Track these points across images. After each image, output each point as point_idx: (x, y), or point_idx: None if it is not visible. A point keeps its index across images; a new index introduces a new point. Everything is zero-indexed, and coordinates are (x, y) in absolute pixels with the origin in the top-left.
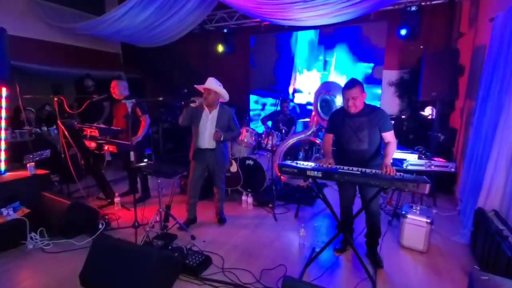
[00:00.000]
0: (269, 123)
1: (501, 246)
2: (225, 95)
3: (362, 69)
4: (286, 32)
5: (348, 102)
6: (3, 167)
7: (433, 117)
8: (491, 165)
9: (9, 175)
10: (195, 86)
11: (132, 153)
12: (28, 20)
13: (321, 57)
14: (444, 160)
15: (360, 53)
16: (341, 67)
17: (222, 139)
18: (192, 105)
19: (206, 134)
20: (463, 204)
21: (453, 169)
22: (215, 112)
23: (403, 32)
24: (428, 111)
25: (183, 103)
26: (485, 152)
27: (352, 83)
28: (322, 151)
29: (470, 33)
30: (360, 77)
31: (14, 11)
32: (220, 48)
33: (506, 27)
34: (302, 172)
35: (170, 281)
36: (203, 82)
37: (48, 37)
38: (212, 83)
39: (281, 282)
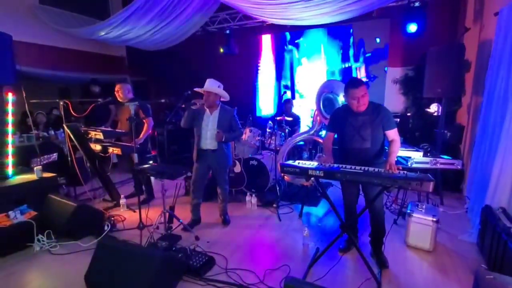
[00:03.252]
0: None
1: (507, 244)
2: (224, 95)
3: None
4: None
5: (359, 101)
6: (10, 171)
7: (439, 114)
8: (498, 162)
9: (17, 179)
10: (195, 89)
11: (135, 155)
12: (34, 26)
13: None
14: (450, 158)
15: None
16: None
17: (223, 139)
18: (193, 107)
19: (208, 135)
20: (471, 202)
21: (459, 167)
22: (216, 113)
23: (407, 28)
24: (433, 108)
25: (183, 105)
26: (492, 149)
27: (359, 82)
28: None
29: (476, 27)
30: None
31: (21, 17)
32: (223, 49)
33: (510, 22)
34: (304, 171)
35: (174, 282)
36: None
37: (54, 43)
38: (212, 85)
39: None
